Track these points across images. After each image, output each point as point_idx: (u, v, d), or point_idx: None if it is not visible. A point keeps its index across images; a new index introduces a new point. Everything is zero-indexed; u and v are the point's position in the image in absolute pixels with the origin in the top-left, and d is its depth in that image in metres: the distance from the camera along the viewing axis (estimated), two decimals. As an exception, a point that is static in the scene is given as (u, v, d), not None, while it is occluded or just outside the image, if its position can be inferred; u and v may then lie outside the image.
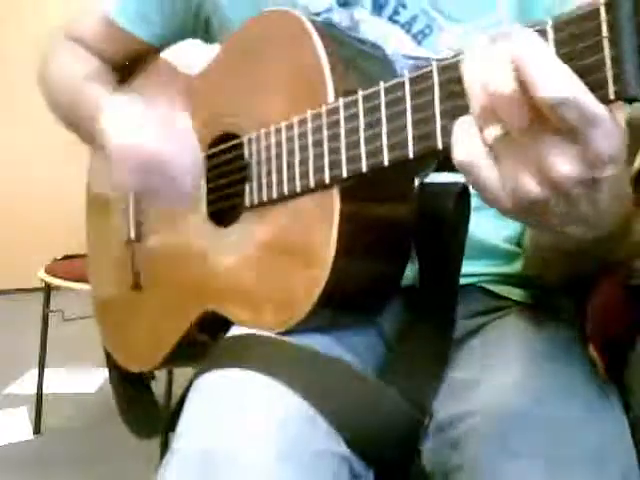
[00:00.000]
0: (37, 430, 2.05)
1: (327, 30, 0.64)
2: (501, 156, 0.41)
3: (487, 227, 0.72)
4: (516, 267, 0.74)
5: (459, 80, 0.43)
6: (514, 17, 0.71)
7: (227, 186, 0.72)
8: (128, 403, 0.94)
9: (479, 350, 0.68)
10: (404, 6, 0.70)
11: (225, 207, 0.73)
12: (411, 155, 0.50)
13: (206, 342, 0.79)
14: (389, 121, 0.52)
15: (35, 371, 2.09)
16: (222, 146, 0.72)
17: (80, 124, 0.82)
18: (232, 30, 0.75)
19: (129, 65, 0.90)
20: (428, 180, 0.64)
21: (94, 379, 2.37)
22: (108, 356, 0.93)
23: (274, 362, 0.58)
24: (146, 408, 0.93)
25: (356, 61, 0.64)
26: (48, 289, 2.01)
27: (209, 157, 0.74)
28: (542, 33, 0.40)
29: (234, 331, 0.66)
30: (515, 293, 0.74)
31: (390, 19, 0.71)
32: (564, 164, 0.39)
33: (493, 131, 0.40)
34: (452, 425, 0.60)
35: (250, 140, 0.67)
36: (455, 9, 0.70)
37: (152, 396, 0.94)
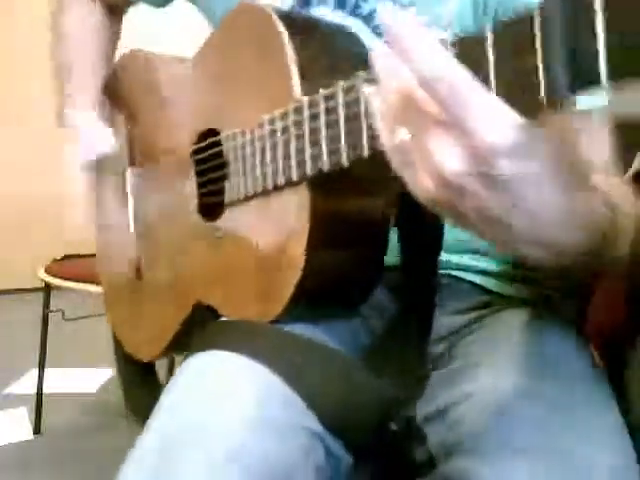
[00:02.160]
0: (37, 430, 2.05)
1: (293, 20, 0.64)
2: (405, 155, 0.41)
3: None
4: (512, 265, 0.75)
5: None
6: (463, 12, 0.71)
7: (212, 182, 0.74)
8: (134, 389, 0.95)
9: (474, 346, 0.69)
10: (365, 0, 0.71)
11: (212, 202, 0.74)
12: (366, 154, 0.51)
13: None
14: (346, 121, 0.52)
15: (35, 371, 2.09)
16: (203, 143, 0.74)
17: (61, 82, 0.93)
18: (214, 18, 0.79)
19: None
20: None
21: (94, 379, 2.37)
22: (116, 343, 0.94)
23: (255, 344, 0.59)
24: (151, 394, 0.94)
25: (325, 50, 0.64)
26: (48, 289, 2.02)
27: (195, 152, 0.76)
28: (481, 39, 0.40)
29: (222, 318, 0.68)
30: (507, 289, 0.75)
31: (352, 13, 0.72)
32: (451, 159, 0.38)
33: (397, 135, 0.41)
34: (451, 408, 0.61)
35: (227, 137, 0.68)
36: (411, 2, 0.71)
37: (158, 382, 0.95)
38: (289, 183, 0.60)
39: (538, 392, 0.58)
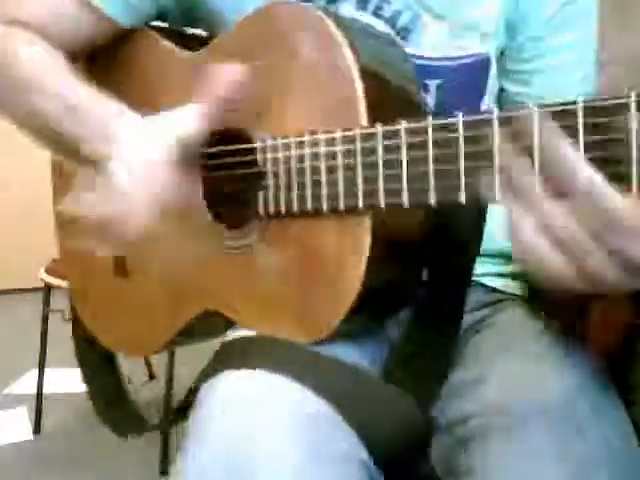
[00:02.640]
0: (37, 430, 2.05)
1: (348, 28, 0.60)
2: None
3: (489, 230, 0.72)
4: (509, 265, 0.75)
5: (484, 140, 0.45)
6: (498, 16, 0.71)
7: (235, 190, 0.70)
8: (105, 403, 0.93)
9: (481, 346, 0.68)
10: (388, 1, 0.70)
11: (230, 208, 0.71)
12: (463, 201, 0.49)
13: (206, 332, 0.80)
14: (436, 162, 0.50)
15: (35, 371, 2.09)
16: (231, 147, 0.68)
17: (66, 138, 0.67)
18: (220, 18, 0.72)
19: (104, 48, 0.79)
20: None
21: (94, 379, 2.37)
22: (82, 353, 0.91)
23: (296, 365, 0.58)
24: (125, 408, 0.92)
25: (388, 78, 0.61)
26: (48, 289, 2.01)
27: (212, 155, 0.70)
28: (571, 114, 0.41)
29: (240, 331, 0.66)
30: (514, 287, 0.75)
31: (374, 14, 0.70)
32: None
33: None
34: (459, 425, 0.61)
35: (265, 148, 0.63)
36: (440, 4, 0.70)
37: (127, 394, 0.93)
38: (351, 210, 0.57)
39: (549, 410, 0.58)
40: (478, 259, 0.73)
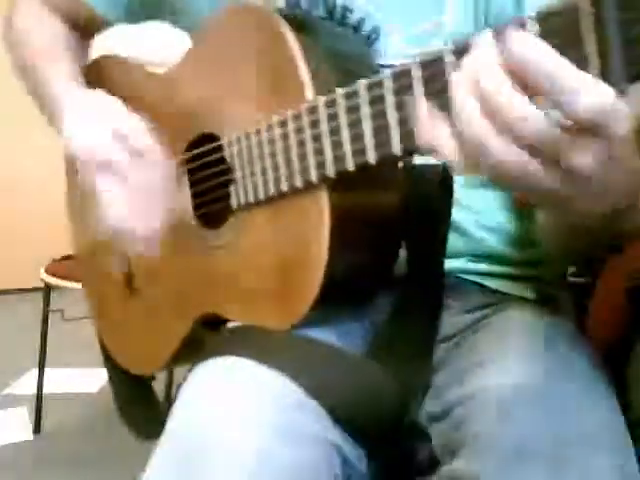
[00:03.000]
0: (37, 430, 2.05)
1: (298, 22, 0.63)
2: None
3: (483, 234, 0.73)
4: (514, 266, 0.75)
5: (441, 77, 0.45)
6: (462, 21, 0.71)
7: (211, 189, 0.72)
8: (129, 403, 0.93)
9: (479, 345, 0.69)
10: (350, 10, 0.71)
11: (211, 209, 0.73)
12: (398, 153, 0.51)
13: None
14: (373, 119, 0.52)
15: (35, 371, 2.09)
16: (202, 149, 0.72)
17: (43, 103, 0.85)
18: (192, 15, 0.77)
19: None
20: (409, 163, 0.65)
21: (94, 379, 2.37)
22: (107, 356, 0.93)
23: (264, 349, 0.59)
24: (147, 408, 0.93)
25: (332, 52, 0.64)
26: (48, 289, 2.02)
27: (189, 160, 0.74)
28: (522, 26, 0.40)
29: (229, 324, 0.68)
30: (512, 287, 0.75)
31: (340, 23, 0.71)
32: (584, 159, 0.40)
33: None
34: (456, 407, 0.61)
35: (230, 142, 0.67)
36: (400, 12, 0.70)
37: (154, 396, 0.94)
38: (307, 185, 0.59)
39: (542, 392, 0.58)
40: (475, 259, 0.73)
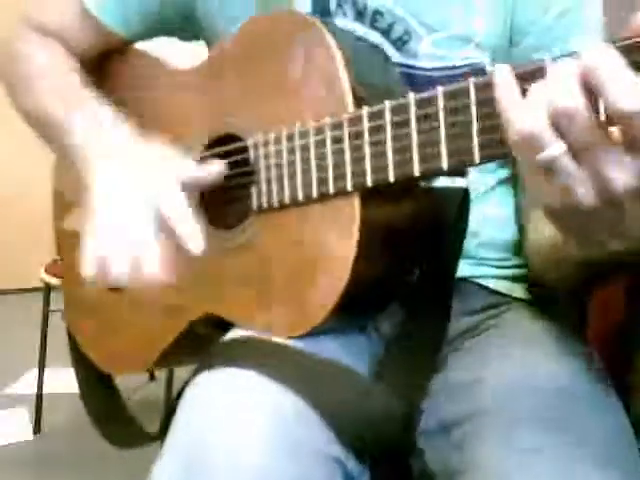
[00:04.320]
0: (37, 430, 2.05)
1: (339, 34, 0.63)
2: (558, 170, 0.42)
3: (487, 236, 0.73)
4: (514, 269, 0.75)
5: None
6: (492, 27, 0.71)
7: (228, 189, 0.71)
8: (101, 415, 0.92)
9: (479, 348, 0.69)
10: (380, 14, 0.71)
11: (224, 209, 0.72)
12: (445, 167, 0.52)
13: (202, 342, 0.79)
14: (420, 134, 0.53)
15: (35, 371, 2.09)
16: (223, 148, 0.70)
17: (57, 144, 0.76)
18: (220, 29, 0.75)
19: (101, 58, 0.83)
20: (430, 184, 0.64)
21: (94, 379, 2.37)
22: (79, 367, 0.90)
23: (268, 362, 0.58)
24: (118, 420, 0.92)
25: (370, 70, 0.65)
26: (48, 289, 2.01)
27: (204, 158, 0.72)
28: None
29: (232, 334, 0.66)
30: (514, 289, 0.75)
31: (371, 26, 0.71)
32: (623, 178, 0.41)
33: (556, 149, 0.42)
34: (455, 426, 0.61)
35: (256, 144, 0.66)
36: (430, 17, 0.71)
37: (124, 407, 0.93)
38: (339, 193, 0.59)
39: (543, 408, 0.58)
40: (478, 261, 0.73)
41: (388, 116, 0.55)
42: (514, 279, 0.75)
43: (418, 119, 0.53)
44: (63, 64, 0.79)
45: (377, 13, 0.71)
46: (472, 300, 0.73)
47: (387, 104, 0.56)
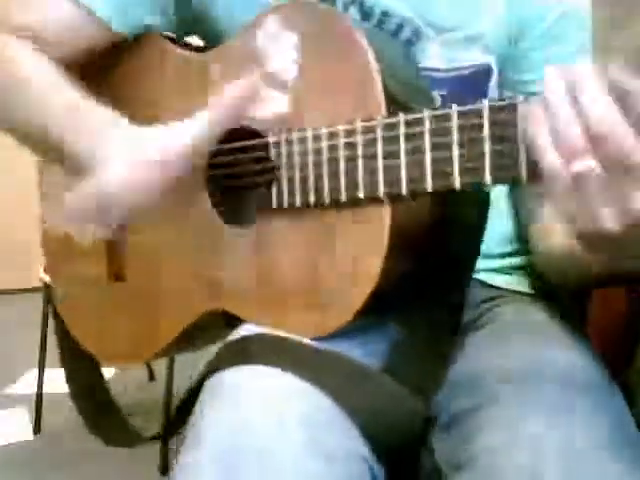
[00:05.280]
0: (37, 430, 2.05)
1: (372, 36, 0.61)
2: (583, 188, 0.43)
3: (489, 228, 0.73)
4: (513, 262, 0.76)
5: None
6: (498, 28, 0.72)
7: (242, 186, 0.70)
8: (92, 413, 0.92)
9: (481, 343, 0.69)
10: (388, 15, 0.71)
11: (234, 205, 0.71)
12: (488, 182, 0.51)
13: (207, 336, 0.80)
14: (461, 146, 0.52)
15: (35, 371, 2.09)
16: (241, 143, 0.68)
17: (50, 138, 0.68)
18: (225, 23, 0.73)
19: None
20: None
21: (94, 379, 2.37)
22: (70, 364, 0.91)
23: (298, 361, 0.58)
24: (108, 417, 0.92)
25: (401, 75, 0.63)
26: (48, 289, 2.01)
27: (222, 153, 0.69)
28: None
29: (244, 330, 0.65)
30: (513, 283, 0.75)
31: (378, 27, 0.71)
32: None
33: (581, 165, 0.42)
34: (463, 419, 0.61)
35: (278, 142, 0.64)
36: (439, 18, 0.71)
37: (114, 405, 0.92)
38: (370, 199, 0.58)
39: (546, 402, 0.57)
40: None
41: (427, 124, 0.53)
42: (513, 273, 0.75)
43: (460, 129, 0.52)
44: (49, 65, 0.72)
45: (385, 14, 0.70)
46: (472, 294, 0.73)
47: (427, 113, 0.54)
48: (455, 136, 0.52)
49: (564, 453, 0.53)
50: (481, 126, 0.50)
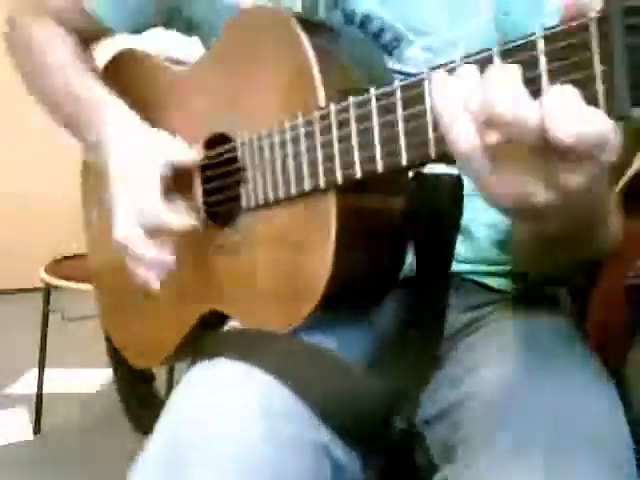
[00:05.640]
0: (37, 430, 2.05)
1: (315, 28, 0.63)
2: (500, 158, 0.41)
3: (483, 234, 0.73)
4: (508, 264, 0.75)
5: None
6: (482, 30, 0.71)
7: (223, 188, 0.73)
8: (130, 398, 0.95)
9: (478, 344, 0.69)
10: (369, 19, 0.71)
11: (222, 208, 0.73)
12: (405, 163, 0.51)
13: None
14: (381, 129, 0.52)
15: (35, 371, 2.09)
16: (217, 149, 0.72)
17: (70, 117, 0.82)
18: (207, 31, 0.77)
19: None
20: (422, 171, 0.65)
21: (94, 379, 2.37)
22: (114, 354, 0.94)
23: (260, 352, 0.59)
24: (145, 404, 0.94)
25: (347, 60, 0.64)
26: (48, 289, 2.02)
27: (209, 157, 0.74)
28: (532, 44, 0.40)
29: (227, 327, 0.68)
30: (510, 285, 0.75)
31: (360, 30, 0.71)
32: (576, 178, 0.40)
33: (494, 136, 0.41)
34: (453, 410, 0.61)
35: (243, 143, 0.67)
36: (420, 22, 0.71)
37: (154, 393, 0.95)
38: (315, 190, 0.60)
39: (539, 390, 0.58)
40: (475, 259, 0.73)
41: (353, 110, 0.54)
42: (511, 276, 0.75)
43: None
44: (64, 45, 0.85)
45: (366, 18, 0.71)
46: (470, 297, 0.73)
47: (351, 100, 0.54)
48: (375, 119, 0.53)
49: (551, 438, 0.54)
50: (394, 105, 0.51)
